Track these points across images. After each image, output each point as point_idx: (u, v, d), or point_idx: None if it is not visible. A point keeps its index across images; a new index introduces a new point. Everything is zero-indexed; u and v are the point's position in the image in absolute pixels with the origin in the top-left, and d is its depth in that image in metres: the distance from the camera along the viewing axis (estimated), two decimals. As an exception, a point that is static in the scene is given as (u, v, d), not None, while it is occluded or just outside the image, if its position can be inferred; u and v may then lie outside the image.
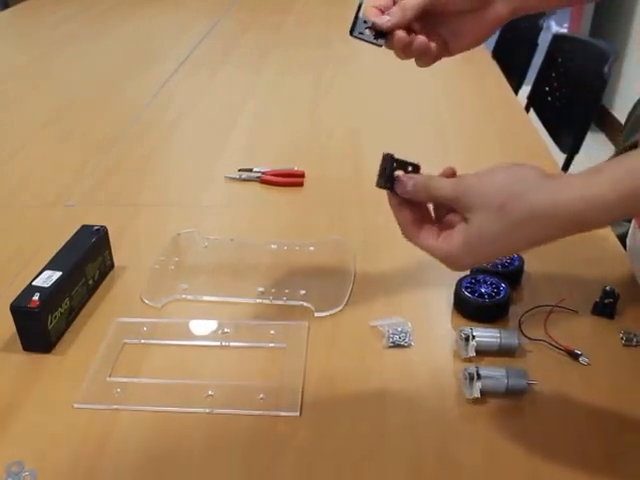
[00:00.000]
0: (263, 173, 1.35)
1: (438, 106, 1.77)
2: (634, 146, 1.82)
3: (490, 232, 0.69)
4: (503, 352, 0.86)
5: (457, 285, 0.95)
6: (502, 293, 0.93)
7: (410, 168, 0.78)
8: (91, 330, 0.93)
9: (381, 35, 0.83)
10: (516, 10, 0.86)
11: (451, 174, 0.76)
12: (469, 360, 0.85)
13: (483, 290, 0.93)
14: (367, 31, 0.83)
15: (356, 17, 0.83)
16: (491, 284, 0.94)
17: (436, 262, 0.95)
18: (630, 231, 1.09)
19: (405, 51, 0.84)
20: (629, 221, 1.12)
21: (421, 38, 0.83)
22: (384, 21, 0.82)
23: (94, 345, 0.90)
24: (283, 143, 1.54)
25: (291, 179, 1.34)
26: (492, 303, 0.92)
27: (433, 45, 0.85)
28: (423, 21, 0.84)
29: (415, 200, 0.76)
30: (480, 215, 0.69)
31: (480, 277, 0.95)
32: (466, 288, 0.94)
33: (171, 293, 1.00)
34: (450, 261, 0.73)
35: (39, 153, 1.50)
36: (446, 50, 0.88)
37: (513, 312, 0.94)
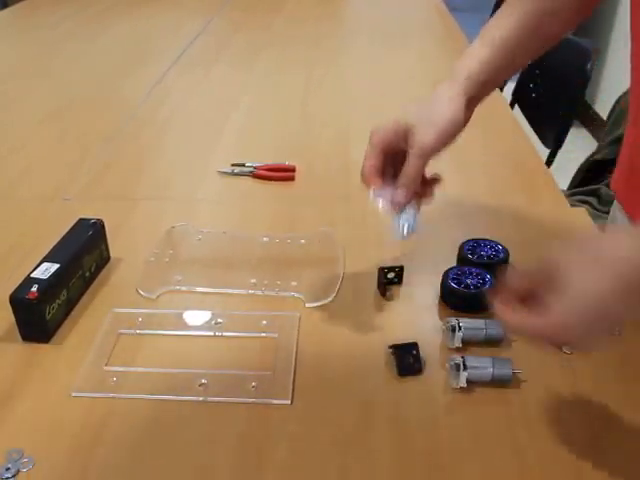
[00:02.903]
0: (255, 168, 1.37)
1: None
2: (619, 139, 1.85)
3: (592, 286, 0.64)
4: (489, 342, 0.88)
5: (444, 276, 0.97)
6: (488, 284, 0.95)
7: (397, 269, 0.98)
8: (88, 321, 0.95)
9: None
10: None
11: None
12: (456, 350, 0.87)
13: (469, 281, 0.95)
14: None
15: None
16: (477, 275, 0.96)
17: (423, 254, 0.96)
18: (610, 214, 1.11)
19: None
20: (608, 212, 1.14)
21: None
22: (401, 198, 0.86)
23: (91, 335, 0.92)
24: (275, 139, 1.56)
25: (283, 174, 1.36)
26: (478, 294, 0.94)
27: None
28: None
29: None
30: (576, 275, 0.64)
31: (466, 269, 0.97)
32: (452, 279, 0.96)
33: (165, 285, 1.01)
34: (560, 331, 0.66)
35: (38, 149, 1.51)
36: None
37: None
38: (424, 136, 0.84)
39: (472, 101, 0.89)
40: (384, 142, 0.88)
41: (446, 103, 0.87)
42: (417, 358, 0.85)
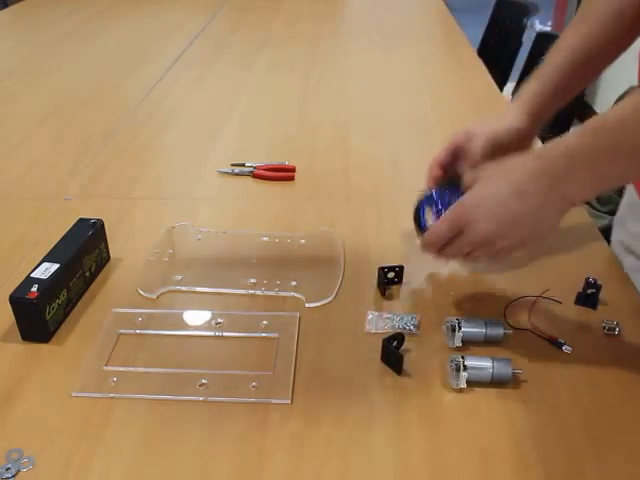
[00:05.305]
0: (255, 168, 1.37)
1: (423, 102, 1.78)
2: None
3: (477, 185, 0.84)
4: (489, 341, 0.88)
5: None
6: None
7: (397, 269, 1.00)
8: (88, 321, 0.95)
9: None
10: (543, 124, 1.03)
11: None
12: (456, 350, 0.87)
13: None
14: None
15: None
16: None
17: (423, 254, 0.96)
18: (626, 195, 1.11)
19: None
20: (610, 213, 1.14)
21: None
22: None
23: (91, 335, 0.92)
24: (275, 139, 1.56)
25: (282, 174, 1.36)
26: None
27: None
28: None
29: None
30: (480, 183, 0.84)
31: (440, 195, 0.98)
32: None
33: (165, 284, 1.01)
34: (441, 222, 0.86)
35: (37, 148, 1.51)
36: None
37: (498, 302, 0.96)
38: (475, 145, 0.99)
39: (536, 119, 1.01)
40: (454, 143, 1.02)
41: (502, 116, 1.02)
42: (396, 349, 0.86)
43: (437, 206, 0.96)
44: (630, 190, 1.13)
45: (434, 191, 0.98)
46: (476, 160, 0.97)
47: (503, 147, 0.98)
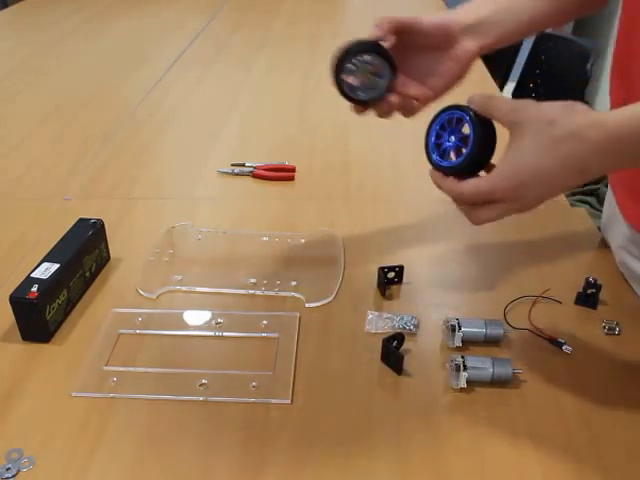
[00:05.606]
0: (255, 168, 1.37)
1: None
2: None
3: (532, 146, 0.73)
4: (489, 342, 0.88)
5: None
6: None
7: (397, 269, 1.00)
8: (88, 321, 0.95)
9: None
10: (484, 48, 0.93)
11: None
12: (456, 350, 0.87)
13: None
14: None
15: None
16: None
17: (423, 253, 0.96)
18: (607, 194, 1.11)
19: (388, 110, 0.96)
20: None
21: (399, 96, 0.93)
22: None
23: (91, 335, 0.92)
24: (275, 139, 1.56)
25: (282, 174, 1.36)
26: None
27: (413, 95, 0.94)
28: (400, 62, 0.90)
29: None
30: (530, 129, 0.73)
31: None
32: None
33: (166, 284, 1.01)
34: (492, 188, 0.76)
35: (37, 148, 1.51)
36: (425, 94, 0.95)
37: (498, 302, 0.96)
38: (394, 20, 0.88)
39: (472, 33, 0.92)
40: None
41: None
42: (396, 349, 0.86)
43: (447, 134, 0.87)
44: (610, 200, 1.12)
45: (442, 117, 0.90)
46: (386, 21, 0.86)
47: (422, 42, 0.91)
